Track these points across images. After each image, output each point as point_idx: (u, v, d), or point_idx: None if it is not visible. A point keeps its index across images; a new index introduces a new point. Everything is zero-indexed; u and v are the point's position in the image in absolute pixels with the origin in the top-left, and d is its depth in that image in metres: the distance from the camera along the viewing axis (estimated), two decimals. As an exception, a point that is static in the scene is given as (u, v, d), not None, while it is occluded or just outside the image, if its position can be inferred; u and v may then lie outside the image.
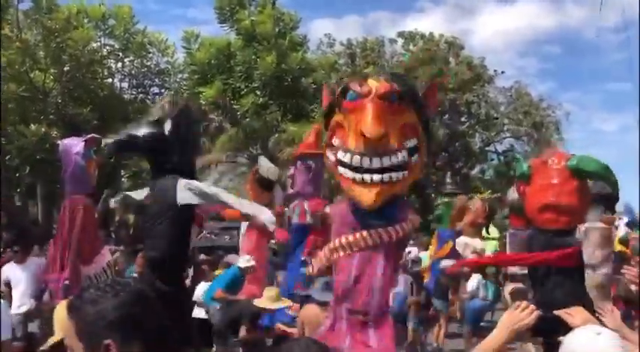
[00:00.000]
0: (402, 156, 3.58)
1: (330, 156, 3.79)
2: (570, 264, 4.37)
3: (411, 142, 3.66)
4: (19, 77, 17.36)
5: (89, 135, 6.63)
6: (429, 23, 59.58)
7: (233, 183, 19.59)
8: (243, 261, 7.61)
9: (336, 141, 3.74)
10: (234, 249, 10.66)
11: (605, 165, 4.75)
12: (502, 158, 28.42)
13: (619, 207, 18.29)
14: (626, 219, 16.56)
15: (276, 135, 19.23)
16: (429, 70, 23.93)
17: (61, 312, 3.07)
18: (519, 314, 2.21)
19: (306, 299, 6.70)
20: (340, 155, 3.66)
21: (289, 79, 20.54)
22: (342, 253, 3.78)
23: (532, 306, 2.24)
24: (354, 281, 3.72)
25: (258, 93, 20.31)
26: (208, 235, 13.66)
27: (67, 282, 6.12)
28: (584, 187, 4.68)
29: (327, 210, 4.38)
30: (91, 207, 6.38)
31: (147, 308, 1.69)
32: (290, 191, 8.20)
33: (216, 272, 10.23)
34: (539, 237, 4.79)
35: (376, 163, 3.53)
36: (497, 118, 28.56)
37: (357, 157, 3.54)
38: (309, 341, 2.23)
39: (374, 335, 3.64)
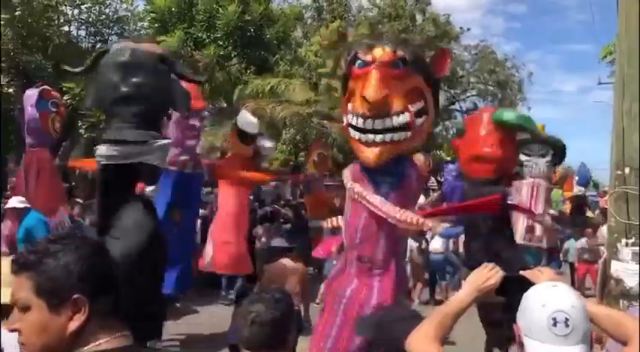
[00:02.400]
0: (404, 117, 3.86)
1: (345, 120, 4.10)
2: (496, 210, 4.60)
3: (417, 106, 3.94)
4: (-35, 22, 16.44)
5: (43, 86, 6.35)
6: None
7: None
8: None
9: (349, 107, 4.02)
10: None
11: (526, 116, 5.35)
12: (466, 116, 28.61)
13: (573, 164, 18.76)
14: (577, 178, 17.03)
15: (240, 87, 18.82)
16: (396, 25, 23.62)
17: (5, 268, 2.87)
18: (486, 274, 2.27)
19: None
20: (349, 118, 3.98)
21: (252, 30, 20.03)
22: (352, 204, 4.16)
23: (497, 267, 2.30)
24: (362, 230, 4.08)
25: (221, 43, 19.78)
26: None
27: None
28: (508, 138, 5.04)
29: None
30: (49, 160, 6.15)
31: (110, 262, 1.64)
32: None
33: None
34: (470, 188, 5.16)
35: (378, 124, 3.84)
36: (462, 76, 28.61)
37: (361, 119, 3.87)
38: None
39: (377, 281, 4.04)
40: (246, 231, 8.79)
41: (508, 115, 5.04)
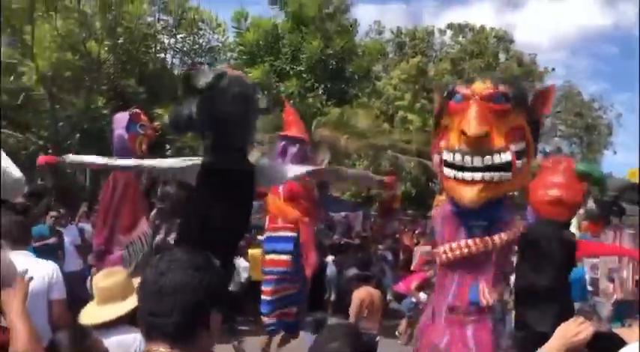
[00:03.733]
0: (505, 157, 3.51)
1: (436, 157, 3.79)
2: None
3: (518, 146, 3.58)
4: (75, 47, 17.98)
5: (134, 110, 6.82)
6: (475, 15, 58.39)
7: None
8: None
9: (442, 143, 3.71)
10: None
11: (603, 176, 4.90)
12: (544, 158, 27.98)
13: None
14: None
15: (319, 118, 19.41)
16: (478, 63, 23.67)
17: (121, 278, 3.26)
18: (576, 328, 2.15)
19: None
20: (444, 155, 3.64)
21: (334, 63, 20.64)
22: (445, 256, 3.77)
23: (588, 322, 2.19)
24: (457, 282, 3.71)
25: (304, 76, 20.50)
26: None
27: (101, 248, 6.46)
28: (582, 186, 4.69)
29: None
30: (133, 179, 6.63)
31: (224, 280, 1.82)
32: None
33: (251, 251, 10.52)
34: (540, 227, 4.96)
35: (478, 162, 3.49)
36: (546, 117, 28.10)
37: (458, 155, 3.53)
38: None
39: (471, 336, 3.61)
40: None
41: (595, 170, 4.75)
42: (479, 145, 3.46)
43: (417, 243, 12.90)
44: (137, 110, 6.91)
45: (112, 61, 18.92)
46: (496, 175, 3.50)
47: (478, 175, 3.48)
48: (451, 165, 3.58)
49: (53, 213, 8.02)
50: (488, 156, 3.47)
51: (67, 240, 8.09)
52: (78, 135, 17.33)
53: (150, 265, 1.70)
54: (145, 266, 1.75)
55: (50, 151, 15.73)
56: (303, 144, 7.30)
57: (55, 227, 7.94)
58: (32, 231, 7.29)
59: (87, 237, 8.51)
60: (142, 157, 6.78)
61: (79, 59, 17.98)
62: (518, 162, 3.56)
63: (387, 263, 12.63)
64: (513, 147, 3.53)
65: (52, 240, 7.55)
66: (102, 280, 3.25)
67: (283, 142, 7.22)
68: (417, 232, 14.32)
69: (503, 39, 26.25)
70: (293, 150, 7.07)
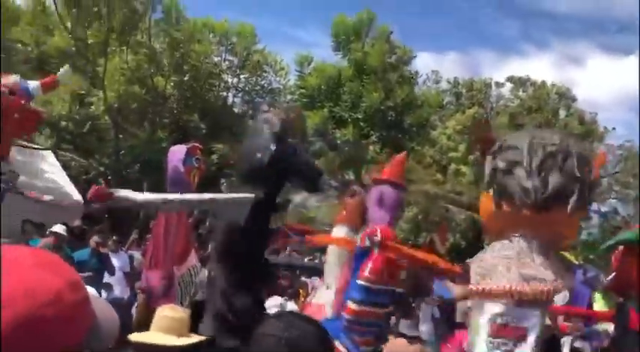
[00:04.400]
0: None
1: None
2: None
3: None
4: (143, 81, 18.86)
5: (192, 144, 7.07)
6: (533, 69, 57.59)
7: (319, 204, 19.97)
8: None
9: None
10: (317, 271, 10.67)
11: None
12: (603, 220, 27.19)
13: None
14: None
15: (370, 165, 19.53)
16: (538, 118, 23.45)
17: (184, 316, 3.43)
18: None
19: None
20: None
21: (393, 115, 20.79)
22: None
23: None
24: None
25: (362, 124, 20.70)
26: (292, 252, 13.96)
27: (164, 282, 6.63)
28: None
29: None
30: (184, 212, 6.83)
31: None
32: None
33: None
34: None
35: None
36: (603, 177, 27.42)
37: None
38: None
39: None
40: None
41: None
42: None
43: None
44: (195, 144, 7.14)
45: (176, 96, 19.70)
46: None
47: None
48: None
49: (96, 239, 8.16)
50: None
51: (116, 266, 8.28)
52: (138, 165, 17.96)
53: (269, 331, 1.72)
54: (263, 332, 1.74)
55: (110, 178, 16.35)
56: (401, 189, 7.24)
57: (96, 252, 8.09)
58: (75, 255, 7.63)
59: (136, 265, 8.70)
60: (194, 190, 7.02)
61: (146, 93, 18.81)
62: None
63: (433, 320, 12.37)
64: None
65: (86, 274, 7.59)
66: (168, 310, 3.37)
67: (381, 187, 7.16)
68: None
69: (565, 96, 25.96)
70: (391, 195, 6.97)
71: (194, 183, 6.90)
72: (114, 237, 8.83)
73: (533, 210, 2.99)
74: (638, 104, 34.49)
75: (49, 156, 10.09)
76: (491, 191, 3.14)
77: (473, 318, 3.20)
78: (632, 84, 53.36)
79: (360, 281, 6.81)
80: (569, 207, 2.99)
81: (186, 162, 6.93)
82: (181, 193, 6.87)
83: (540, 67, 50.85)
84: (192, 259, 6.94)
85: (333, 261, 6.76)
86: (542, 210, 2.97)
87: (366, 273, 6.92)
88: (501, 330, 3.07)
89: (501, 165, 3.11)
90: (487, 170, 3.61)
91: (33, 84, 6.04)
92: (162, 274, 6.68)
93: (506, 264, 3.13)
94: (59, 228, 7.46)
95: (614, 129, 27.76)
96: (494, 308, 3.04)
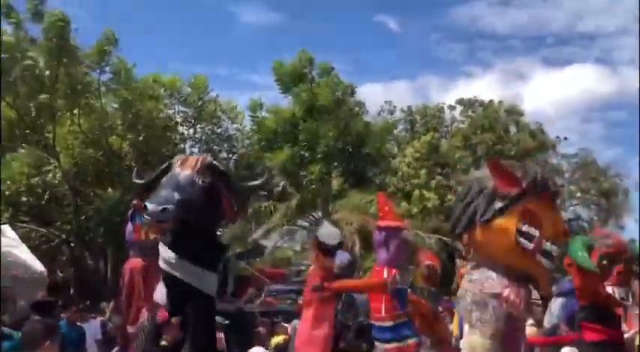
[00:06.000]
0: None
1: (523, 240, 3.63)
2: None
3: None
4: (97, 142, 18.66)
5: (134, 201, 6.83)
6: (479, 89, 59.04)
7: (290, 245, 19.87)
8: None
9: (530, 229, 3.61)
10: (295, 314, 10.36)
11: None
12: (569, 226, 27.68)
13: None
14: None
15: (338, 201, 19.55)
16: (490, 136, 23.98)
17: None
18: None
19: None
20: (543, 243, 3.61)
21: (351, 148, 20.94)
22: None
23: None
24: None
25: (322, 162, 20.75)
26: (268, 298, 13.66)
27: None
28: None
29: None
30: (140, 269, 6.47)
31: None
32: None
33: (274, 339, 9.88)
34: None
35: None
36: (562, 186, 28.06)
37: (555, 247, 3.59)
38: None
39: None
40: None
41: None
42: None
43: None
44: (136, 201, 6.79)
45: (133, 154, 19.52)
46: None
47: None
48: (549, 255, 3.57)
49: (71, 309, 7.91)
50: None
51: (87, 334, 7.96)
52: (102, 228, 17.63)
53: None
54: None
55: (72, 245, 16.01)
56: (402, 232, 7.17)
57: (74, 322, 7.82)
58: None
59: (109, 330, 8.48)
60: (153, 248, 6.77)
61: (102, 154, 18.59)
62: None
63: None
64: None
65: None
66: None
67: (384, 233, 7.08)
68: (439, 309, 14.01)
69: (513, 111, 26.66)
70: (395, 241, 6.89)
71: (149, 238, 6.62)
72: (80, 306, 8.57)
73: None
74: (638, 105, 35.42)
75: (7, 230, 9.85)
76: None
77: None
78: (575, 93, 55.32)
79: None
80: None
81: (134, 220, 6.75)
82: (134, 252, 6.70)
83: (487, 87, 52.34)
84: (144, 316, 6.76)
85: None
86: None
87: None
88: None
89: None
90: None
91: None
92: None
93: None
94: None
95: (565, 138, 28.62)
96: None
